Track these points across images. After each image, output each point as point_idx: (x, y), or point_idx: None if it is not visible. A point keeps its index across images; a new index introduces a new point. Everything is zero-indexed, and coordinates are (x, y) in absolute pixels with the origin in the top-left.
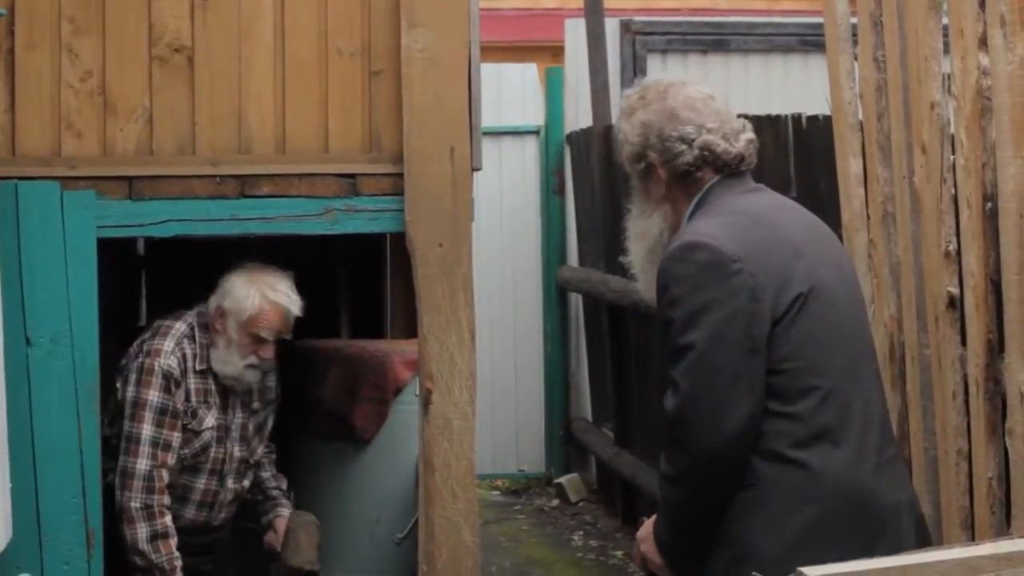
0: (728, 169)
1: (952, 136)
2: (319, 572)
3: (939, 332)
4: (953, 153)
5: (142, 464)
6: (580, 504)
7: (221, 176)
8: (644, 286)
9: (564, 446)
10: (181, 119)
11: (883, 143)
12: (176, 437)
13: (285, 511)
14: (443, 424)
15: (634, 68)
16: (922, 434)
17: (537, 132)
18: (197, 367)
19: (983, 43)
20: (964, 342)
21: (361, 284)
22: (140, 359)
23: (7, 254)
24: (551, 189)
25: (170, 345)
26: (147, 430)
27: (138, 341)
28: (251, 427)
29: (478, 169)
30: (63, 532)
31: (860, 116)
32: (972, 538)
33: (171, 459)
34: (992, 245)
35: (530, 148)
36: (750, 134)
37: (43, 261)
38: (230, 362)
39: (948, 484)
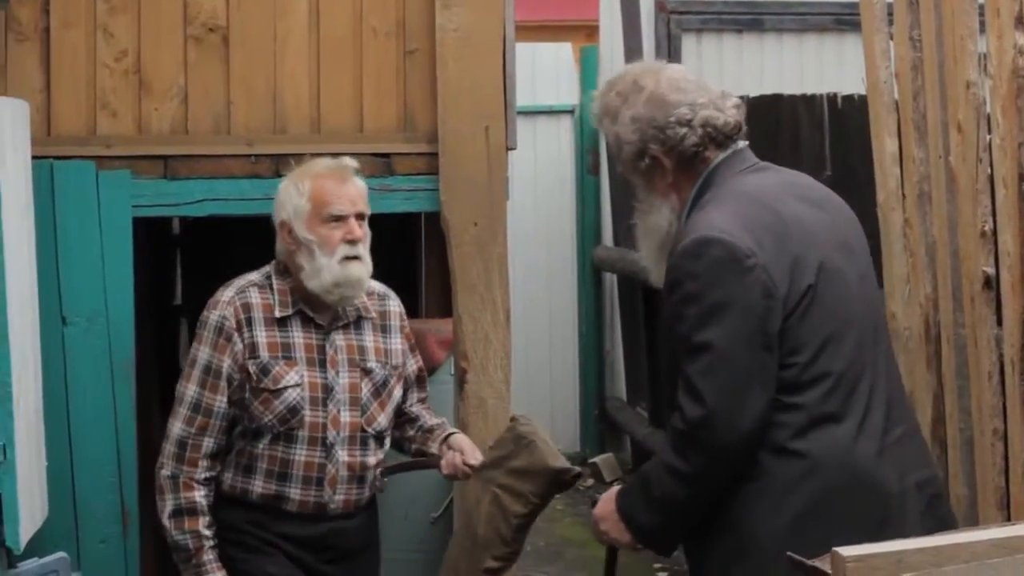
0: (729, 142)
1: (988, 115)
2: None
3: (975, 312)
4: (989, 132)
5: (177, 427)
6: (615, 483)
7: (256, 155)
8: (659, 281)
9: (598, 425)
10: (216, 98)
11: (919, 122)
12: (220, 402)
13: (458, 433)
14: (478, 403)
15: (669, 47)
16: (958, 414)
17: (572, 111)
18: (278, 314)
19: (1019, 22)
20: (1000, 322)
21: (395, 263)
22: (203, 312)
23: (43, 233)
24: (586, 168)
25: (229, 295)
26: (191, 390)
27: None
28: (365, 390)
29: (513, 148)
30: (99, 510)
31: (896, 95)
32: (1008, 518)
33: (213, 426)
34: None
35: (565, 127)
36: (735, 99)
37: (79, 240)
38: (323, 268)
39: (984, 464)
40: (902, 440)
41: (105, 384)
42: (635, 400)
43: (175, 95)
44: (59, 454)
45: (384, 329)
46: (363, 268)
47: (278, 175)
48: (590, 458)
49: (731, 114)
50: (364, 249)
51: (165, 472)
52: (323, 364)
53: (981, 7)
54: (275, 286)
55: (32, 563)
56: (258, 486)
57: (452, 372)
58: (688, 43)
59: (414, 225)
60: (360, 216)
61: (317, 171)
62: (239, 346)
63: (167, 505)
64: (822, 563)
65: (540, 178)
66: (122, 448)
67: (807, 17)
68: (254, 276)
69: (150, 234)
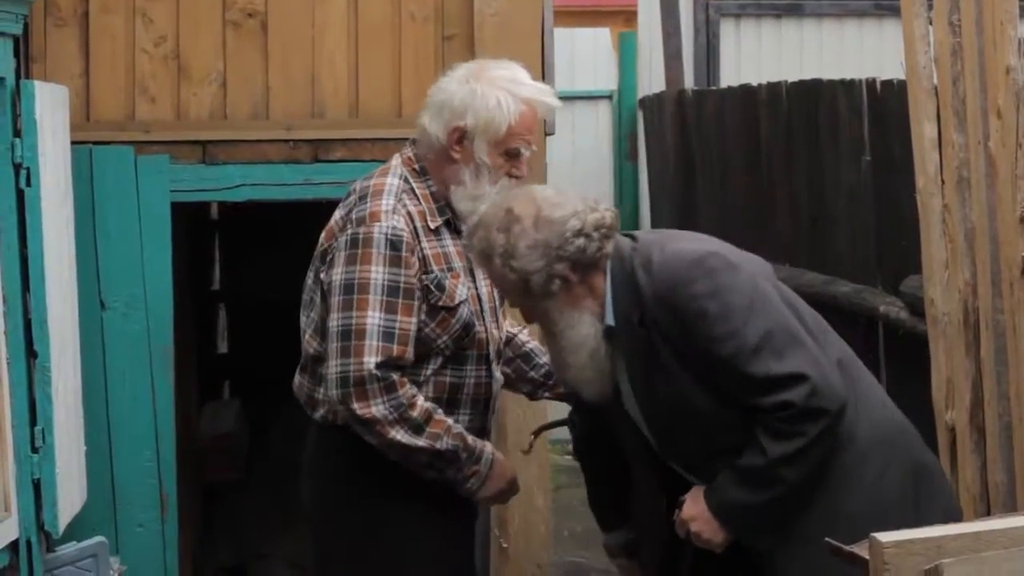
0: (614, 231)
1: None
2: None
3: (1013, 298)
4: None
5: (370, 361)
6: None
7: (294, 141)
8: (593, 392)
9: None
10: (254, 84)
11: (958, 108)
12: (413, 324)
13: None
14: None
15: (707, 33)
16: (996, 400)
17: (610, 97)
18: (431, 225)
19: None
20: None
21: None
22: (349, 232)
23: (82, 219)
24: (624, 154)
25: (390, 203)
26: (374, 318)
27: (338, 218)
28: (495, 295)
29: (551, 134)
30: (137, 495)
31: (935, 80)
32: None
33: (410, 354)
34: None
35: (603, 113)
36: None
37: (117, 226)
38: (482, 195)
39: (1022, 451)
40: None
41: (143, 369)
42: None
43: (213, 80)
44: (98, 439)
45: None
46: None
47: (316, 160)
48: None
49: (608, 211)
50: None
51: (379, 411)
52: (471, 272)
53: None
54: (417, 191)
55: (70, 547)
56: None
57: None
58: (727, 28)
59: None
60: None
61: (525, 95)
62: (415, 261)
63: (407, 433)
64: (860, 549)
65: (578, 164)
66: (160, 433)
67: (847, 2)
68: (395, 181)
69: (188, 219)
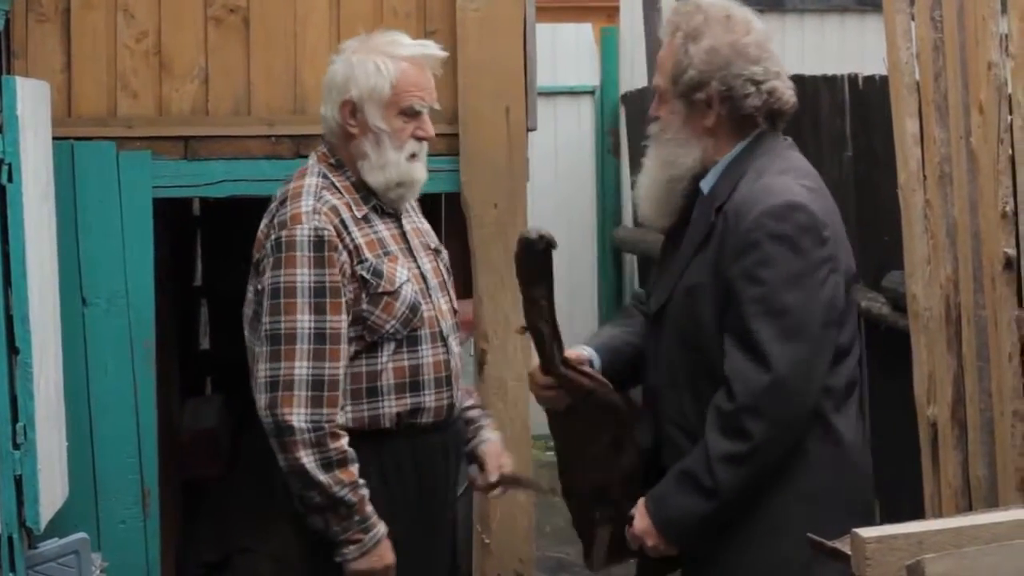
0: (779, 121)
1: (1009, 96)
2: None
3: (995, 293)
4: (1010, 113)
5: (302, 368)
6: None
7: (276, 136)
8: (648, 212)
9: None
10: (236, 79)
11: (940, 103)
12: (344, 323)
13: (490, 433)
14: (498, 384)
15: None
16: (978, 395)
17: (592, 92)
18: (358, 214)
19: None
20: (1020, 303)
21: None
22: (273, 238)
23: (64, 214)
24: (606, 149)
25: (309, 203)
26: (303, 321)
27: (263, 226)
28: (443, 270)
29: (533, 129)
30: (119, 491)
31: (917, 76)
32: None
33: (343, 353)
34: None
35: (585, 108)
36: (794, 86)
37: (99, 221)
38: (388, 162)
39: (1004, 446)
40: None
41: (125, 365)
42: None
43: (195, 76)
44: (80, 435)
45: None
46: (424, 170)
47: (298, 155)
48: None
49: (791, 96)
50: (426, 145)
51: (300, 423)
52: (411, 253)
53: None
54: (338, 184)
55: (52, 543)
56: (390, 407)
57: (472, 353)
58: None
59: (434, 206)
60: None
61: (404, 54)
62: (344, 255)
63: (315, 460)
64: (842, 544)
65: (560, 159)
66: (142, 429)
67: None
68: (313, 180)
69: (170, 215)
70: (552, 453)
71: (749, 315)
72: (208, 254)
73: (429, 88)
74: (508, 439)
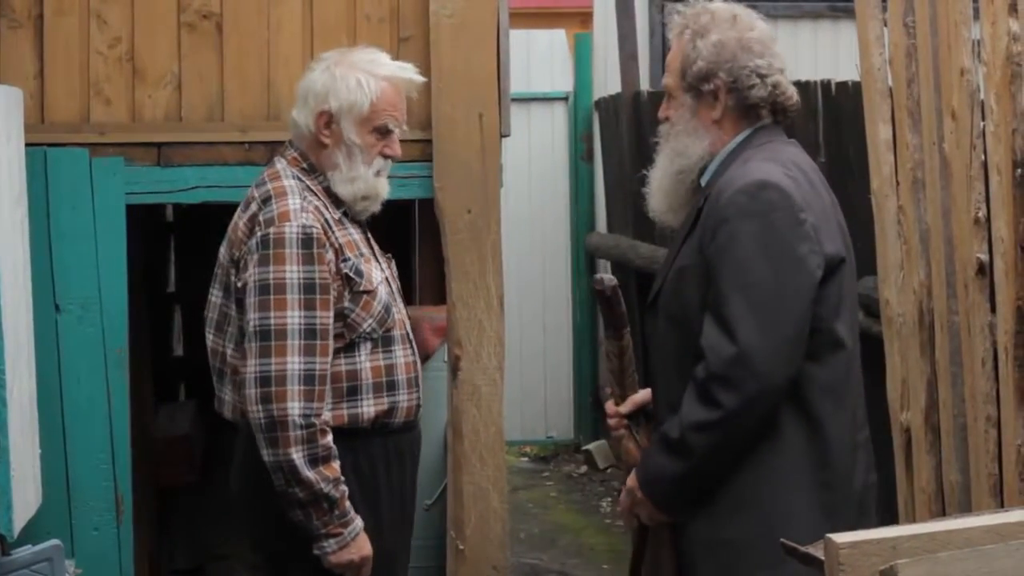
0: (783, 115)
1: (982, 102)
2: None
3: (968, 299)
4: (983, 119)
5: (295, 363)
6: (608, 470)
7: (250, 143)
8: (656, 204)
9: (593, 412)
10: (210, 86)
11: (913, 109)
12: (332, 318)
13: None
14: (472, 390)
15: (663, 35)
16: (951, 401)
17: (566, 98)
18: (334, 216)
19: (1013, 9)
20: (993, 309)
21: (389, 251)
22: (259, 235)
23: (36, 221)
24: (580, 155)
25: (296, 202)
26: (294, 317)
27: (242, 225)
28: (395, 278)
29: (507, 135)
30: (92, 498)
31: (890, 82)
32: (1001, 505)
33: (331, 351)
34: (1022, 211)
35: (559, 114)
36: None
37: (72, 228)
38: (358, 176)
39: (977, 451)
40: (865, 443)
41: (99, 371)
42: None
43: (169, 82)
44: (53, 442)
45: None
46: (387, 186)
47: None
48: (584, 445)
49: (795, 93)
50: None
51: (293, 417)
52: (375, 257)
53: None
54: (312, 187)
55: (25, 550)
56: (368, 406)
57: (446, 359)
58: None
59: (408, 212)
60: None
61: (386, 74)
62: (330, 253)
63: (304, 456)
64: (815, 549)
65: (534, 165)
66: (116, 436)
67: (801, 3)
68: (290, 181)
69: (143, 221)
70: (526, 459)
71: (721, 289)
72: (181, 260)
73: (403, 109)
74: (482, 445)
